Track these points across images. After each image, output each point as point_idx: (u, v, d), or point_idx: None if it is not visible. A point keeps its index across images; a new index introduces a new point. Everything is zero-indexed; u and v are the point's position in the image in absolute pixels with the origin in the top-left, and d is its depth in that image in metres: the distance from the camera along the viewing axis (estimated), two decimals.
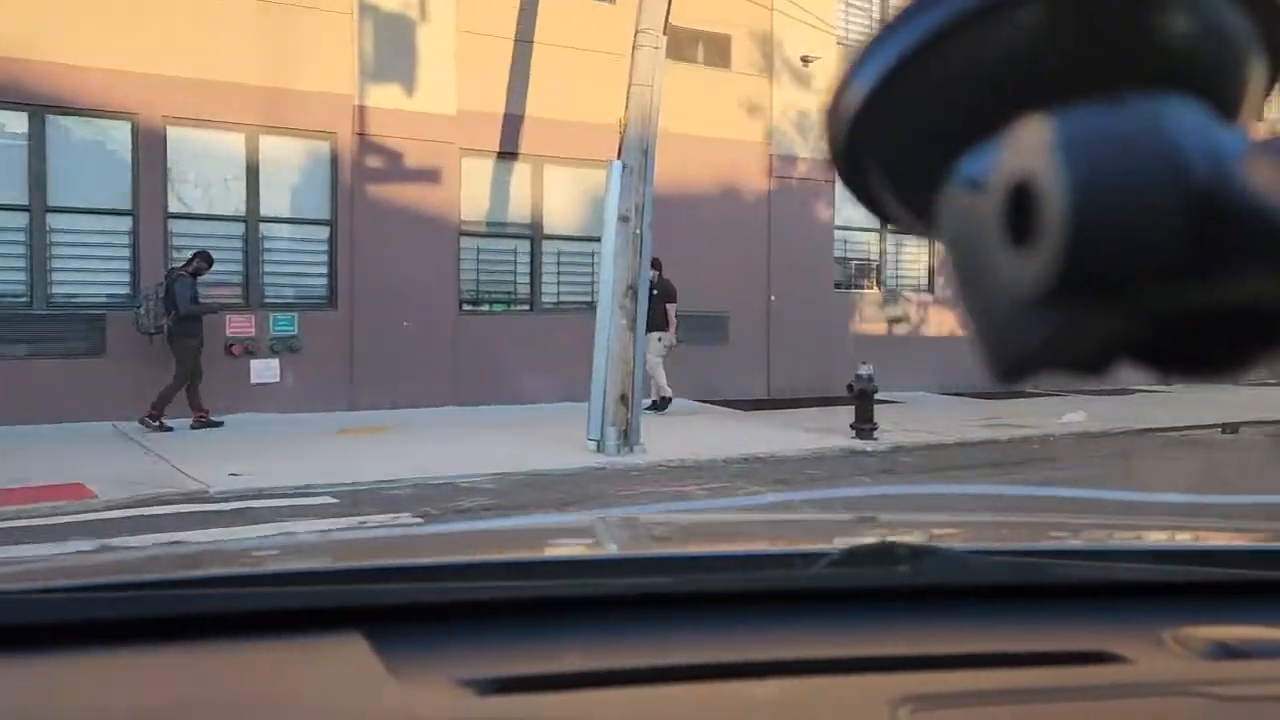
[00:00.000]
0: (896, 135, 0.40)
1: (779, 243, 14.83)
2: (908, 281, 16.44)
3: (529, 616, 1.01)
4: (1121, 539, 1.59)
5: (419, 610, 1.01)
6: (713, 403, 13.94)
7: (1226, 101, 0.37)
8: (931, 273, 16.52)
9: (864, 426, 10.53)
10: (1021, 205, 0.33)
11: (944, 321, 16.61)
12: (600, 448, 9.18)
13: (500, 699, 0.85)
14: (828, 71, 15.10)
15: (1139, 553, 1.42)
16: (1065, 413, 13.13)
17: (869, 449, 10.22)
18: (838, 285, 15.67)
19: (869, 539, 1.25)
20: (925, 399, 15.41)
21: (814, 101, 15.06)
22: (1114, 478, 9.26)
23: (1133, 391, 17.95)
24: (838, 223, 15.55)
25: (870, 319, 15.92)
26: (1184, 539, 1.60)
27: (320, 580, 1.17)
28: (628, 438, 9.23)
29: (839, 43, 15.27)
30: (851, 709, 0.88)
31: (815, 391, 14.60)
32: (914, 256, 16.47)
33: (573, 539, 1.76)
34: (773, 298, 14.86)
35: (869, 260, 16.10)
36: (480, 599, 1.04)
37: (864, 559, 1.12)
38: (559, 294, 13.42)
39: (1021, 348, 0.35)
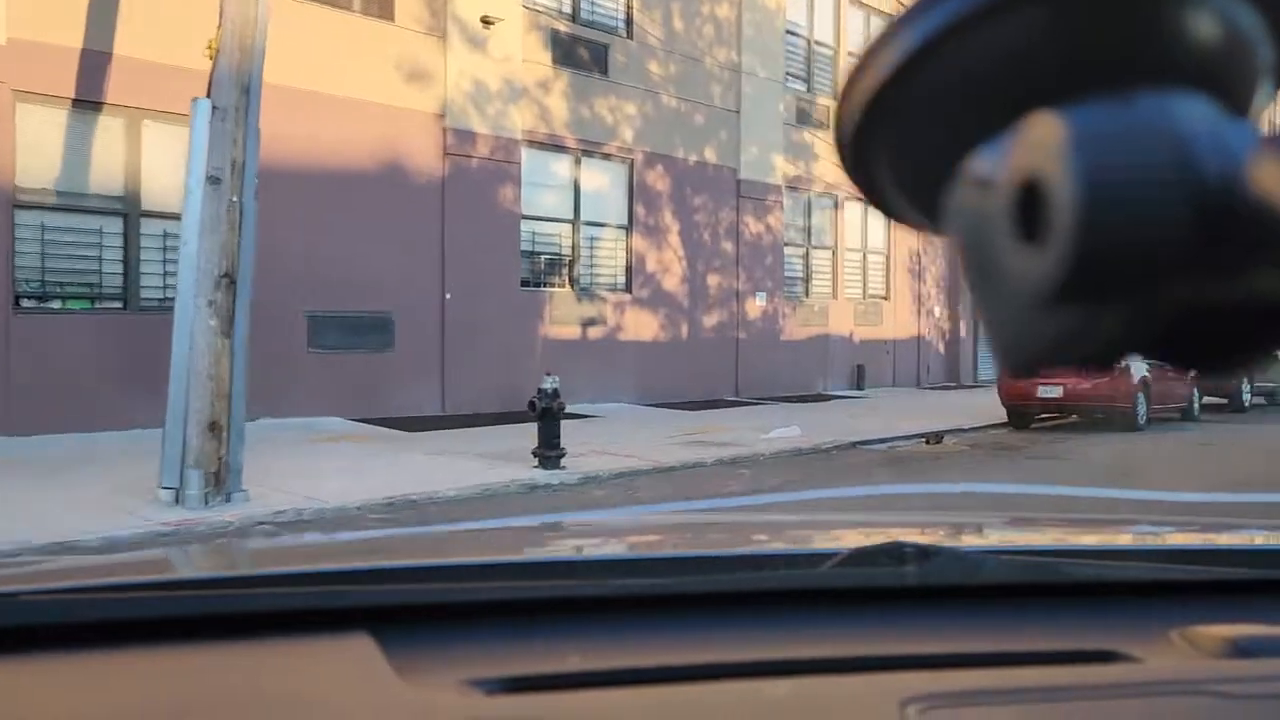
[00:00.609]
0: (905, 130, 0.39)
1: (456, 232, 12.60)
2: (604, 279, 14.72)
3: (536, 616, 1.00)
4: (1129, 538, 1.58)
5: (426, 610, 1.00)
6: (372, 422, 11.47)
7: (1236, 98, 0.37)
8: (629, 270, 14.92)
9: (549, 453, 8.54)
10: (1030, 202, 0.33)
11: (644, 325, 15.06)
12: (180, 499, 6.55)
13: (507, 699, 0.86)
14: (511, 37, 13.08)
15: (1147, 552, 1.38)
16: (774, 427, 11.85)
17: (555, 481, 8.24)
18: (525, 283, 13.68)
19: (876, 539, 1.24)
20: (624, 412, 13.76)
21: (495, 70, 12.95)
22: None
23: (831, 398, 17.36)
24: (525, 211, 13.56)
25: (562, 321, 14.05)
26: (1192, 538, 1.55)
27: (328, 580, 1.14)
28: (221, 482, 6.65)
29: (524, 6, 13.30)
30: (859, 708, 0.87)
31: (501, 405, 12.53)
32: (610, 252, 14.79)
33: (580, 539, 1.70)
34: (448, 296, 12.61)
35: (561, 255, 14.22)
36: (488, 599, 1.03)
37: (871, 559, 1.10)
38: (165, 288, 10.41)
39: (1032, 343, 0.36)
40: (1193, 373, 0.38)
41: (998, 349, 0.37)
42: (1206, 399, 15.24)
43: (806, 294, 18.13)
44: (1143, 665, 0.94)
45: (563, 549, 1.53)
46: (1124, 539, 1.57)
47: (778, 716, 0.86)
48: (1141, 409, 12.98)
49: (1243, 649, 0.94)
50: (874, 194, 0.42)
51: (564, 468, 8.56)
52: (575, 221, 14.25)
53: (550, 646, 0.94)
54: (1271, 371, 17.95)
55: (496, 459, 9.09)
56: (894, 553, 1.08)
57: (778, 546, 1.52)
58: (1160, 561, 1.24)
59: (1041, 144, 0.33)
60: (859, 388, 18.62)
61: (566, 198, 14.19)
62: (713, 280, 16.19)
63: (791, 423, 12.32)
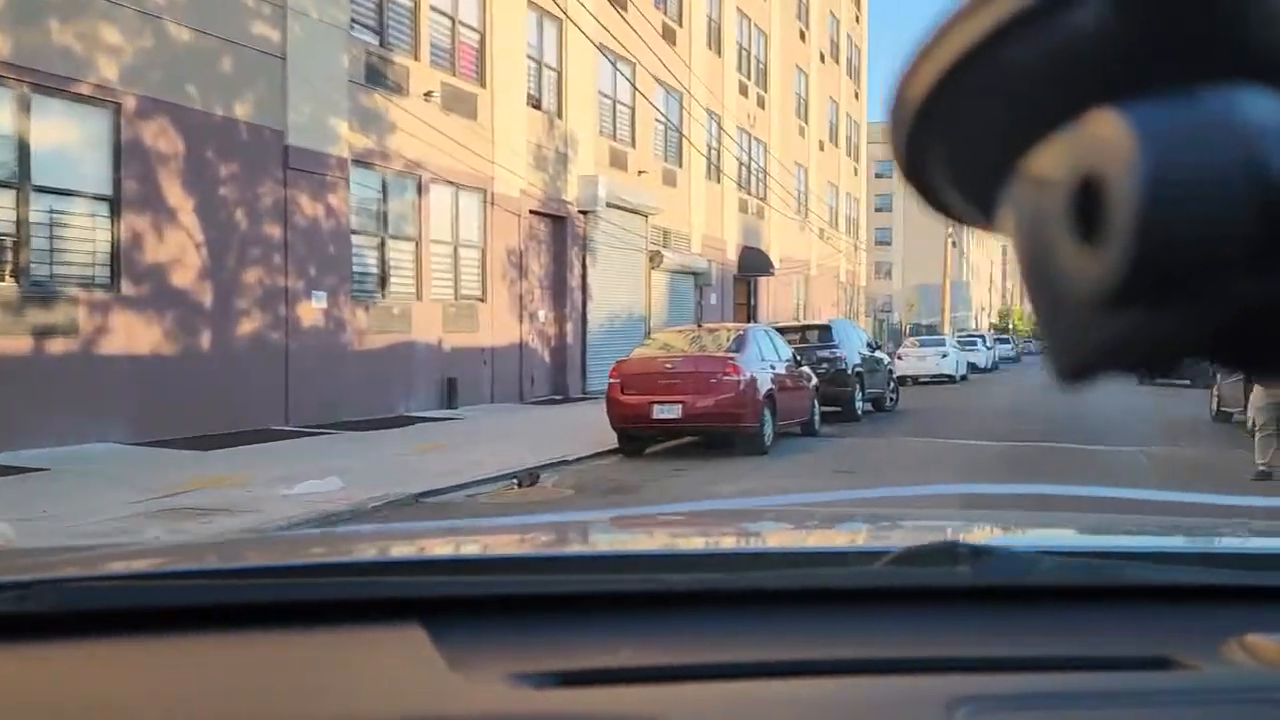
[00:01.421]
0: (961, 127, 0.39)
1: None
2: (74, 271, 10.39)
3: (586, 611, 1.01)
4: (1186, 541, 1.55)
5: (478, 603, 1.02)
6: None
7: None
8: (117, 258, 10.71)
9: None
10: (1089, 201, 0.33)
11: (142, 333, 10.91)
12: None
13: (556, 692, 0.85)
14: None
15: (1205, 555, 1.35)
16: (304, 478, 8.37)
17: None
18: None
19: (928, 537, 1.25)
20: (102, 458, 9.60)
21: None
22: None
23: (414, 420, 14.14)
24: None
25: (1, 330, 9.62)
26: (1253, 543, 1.53)
27: (381, 571, 1.16)
28: None
29: None
30: (908, 709, 0.86)
31: None
32: (85, 233, 10.49)
33: (631, 533, 1.71)
34: None
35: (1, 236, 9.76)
36: (539, 593, 1.05)
37: (924, 557, 1.10)
38: None
39: (1090, 347, 0.35)
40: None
41: (1053, 352, 0.36)
42: (823, 409, 13.86)
43: (383, 294, 14.75)
44: (1199, 673, 0.92)
45: (614, 543, 1.54)
46: (1181, 542, 1.51)
47: (825, 715, 0.86)
48: (768, 428, 11.03)
49: None
50: (929, 190, 0.40)
51: None
52: (21, 187, 9.84)
53: (601, 641, 0.95)
54: (875, 377, 17.32)
55: None
56: (948, 552, 1.08)
57: (829, 544, 1.52)
58: (1218, 566, 1.22)
59: (1102, 141, 0.32)
60: (450, 405, 15.56)
61: (4, 152, 9.76)
62: (251, 275, 12.36)
63: (344, 464, 8.97)
